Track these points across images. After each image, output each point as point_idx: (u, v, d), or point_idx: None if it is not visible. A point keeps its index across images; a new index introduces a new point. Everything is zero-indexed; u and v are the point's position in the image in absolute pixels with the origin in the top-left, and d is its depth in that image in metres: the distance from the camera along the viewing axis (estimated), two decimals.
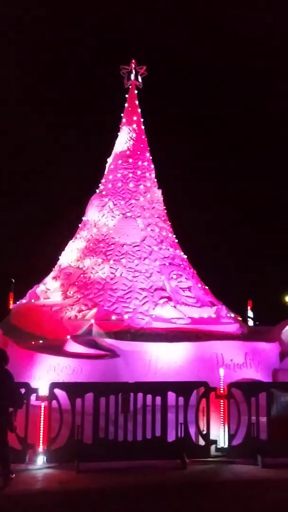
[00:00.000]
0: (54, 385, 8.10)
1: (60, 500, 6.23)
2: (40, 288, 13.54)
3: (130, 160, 15.89)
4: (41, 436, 7.82)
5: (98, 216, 14.87)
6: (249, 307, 25.09)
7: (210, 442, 8.16)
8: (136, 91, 17.58)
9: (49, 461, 7.70)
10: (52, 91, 38.49)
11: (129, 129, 16.74)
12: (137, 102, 17.43)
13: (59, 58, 37.70)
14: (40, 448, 7.78)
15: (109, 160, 16.54)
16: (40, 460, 7.74)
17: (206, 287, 14.52)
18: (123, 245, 13.82)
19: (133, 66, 17.66)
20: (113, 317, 12.00)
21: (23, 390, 7.74)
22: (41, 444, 7.80)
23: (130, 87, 17.62)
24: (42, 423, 7.86)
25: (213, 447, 8.18)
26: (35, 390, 7.91)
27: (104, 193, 15.47)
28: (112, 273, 13.08)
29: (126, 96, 17.54)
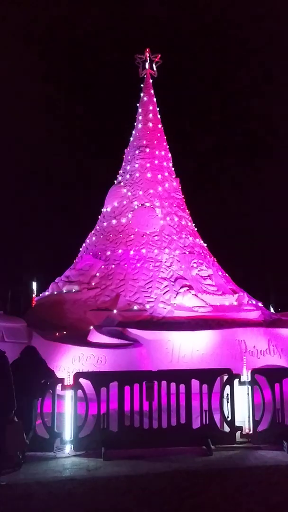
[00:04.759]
0: (79, 374, 8.23)
1: (88, 486, 6.36)
2: (62, 280, 13.69)
3: (147, 150, 15.85)
4: (68, 425, 7.98)
5: (117, 207, 14.93)
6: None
7: (235, 428, 8.20)
8: (151, 80, 17.50)
9: (76, 449, 7.86)
10: (70, 82, 38.58)
11: (145, 119, 16.69)
12: (152, 91, 17.34)
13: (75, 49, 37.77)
14: (67, 437, 7.94)
15: (127, 150, 16.53)
16: (68, 448, 7.91)
17: (227, 275, 14.48)
18: (143, 235, 13.87)
19: (148, 55, 17.57)
20: (135, 307, 12.09)
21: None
22: (68, 432, 7.96)
23: (145, 76, 17.54)
24: (68, 412, 8.01)
25: (238, 434, 8.23)
26: (60, 380, 8.05)
27: (122, 183, 15.50)
28: (132, 263, 13.14)
29: (142, 85, 17.48)
